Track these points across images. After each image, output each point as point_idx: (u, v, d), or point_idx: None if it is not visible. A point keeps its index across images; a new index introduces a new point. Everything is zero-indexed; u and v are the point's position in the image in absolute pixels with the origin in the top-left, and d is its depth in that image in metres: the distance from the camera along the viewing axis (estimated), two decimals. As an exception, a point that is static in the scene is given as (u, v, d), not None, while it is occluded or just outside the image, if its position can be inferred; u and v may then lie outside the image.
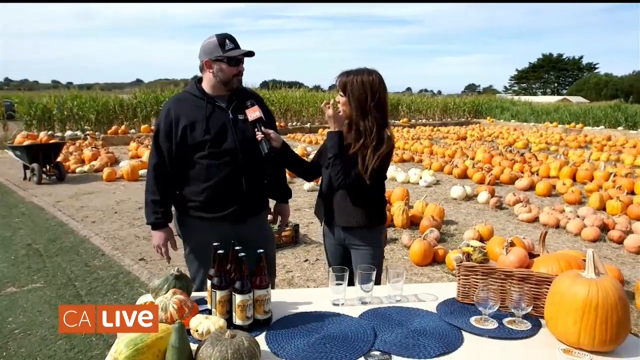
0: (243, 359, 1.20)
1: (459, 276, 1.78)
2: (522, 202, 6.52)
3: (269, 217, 2.55)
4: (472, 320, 1.62)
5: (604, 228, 5.38)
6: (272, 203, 2.51)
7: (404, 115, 23.20)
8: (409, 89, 49.39)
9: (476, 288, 1.65)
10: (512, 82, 72.32)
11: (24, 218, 6.06)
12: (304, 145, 12.92)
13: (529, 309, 1.57)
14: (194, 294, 1.81)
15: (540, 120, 22.26)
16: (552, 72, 68.19)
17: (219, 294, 1.53)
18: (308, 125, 19.19)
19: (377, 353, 1.41)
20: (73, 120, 15.22)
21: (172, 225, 2.32)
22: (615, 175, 7.87)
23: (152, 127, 11.50)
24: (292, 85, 23.49)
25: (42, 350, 2.89)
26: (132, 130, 15.35)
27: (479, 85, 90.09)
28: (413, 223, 5.65)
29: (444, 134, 17.20)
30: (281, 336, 1.50)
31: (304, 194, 7.39)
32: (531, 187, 7.79)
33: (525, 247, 3.52)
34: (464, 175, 8.83)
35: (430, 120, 23.98)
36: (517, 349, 1.46)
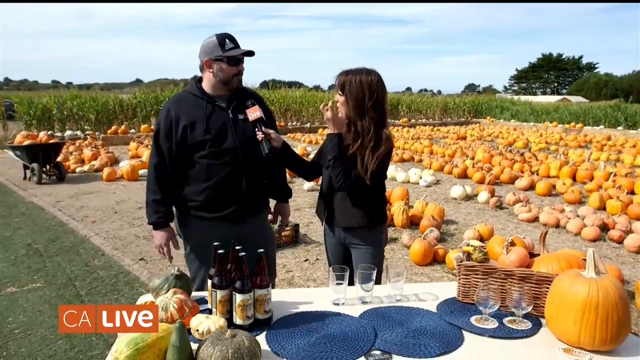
0: (244, 358, 1.20)
1: (459, 276, 1.78)
2: (522, 201, 6.52)
3: (269, 216, 2.55)
4: (473, 319, 1.62)
5: (604, 228, 5.38)
6: (272, 203, 2.51)
7: (403, 115, 23.21)
8: (408, 88, 49.48)
9: (476, 287, 1.65)
10: (512, 81, 72.44)
11: (24, 218, 6.06)
12: (304, 145, 12.92)
13: (530, 309, 1.57)
14: (195, 294, 1.81)
15: (540, 120, 22.27)
16: (552, 72, 68.22)
17: (220, 294, 1.53)
18: (308, 125, 19.20)
19: (378, 352, 1.41)
20: (73, 120, 15.22)
21: (173, 224, 2.32)
22: (615, 175, 7.87)
23: (152, 127, 11.55)
24: (292, 85, 23.54)
25: (42, 350, 2.89)
26: (132, 130, 15.35)
27: (479, 85, 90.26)
28: (413, 223, 5.65)
29: (443, 133, 17.20)
30: (282, 336, 1.50)
31: (304, 194, 7.39)
32: (531, 187, 7.79)
33: (525, 247, 3.52)
34: (464, 175, 8.83)
35: (430, 120, 23.98)
36: (517, 349, 1.46)
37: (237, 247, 1.55)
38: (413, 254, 4.42)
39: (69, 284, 3.91)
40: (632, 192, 6.98)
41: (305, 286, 3.85)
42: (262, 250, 1.57)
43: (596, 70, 65.21)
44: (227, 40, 2.10)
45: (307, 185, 7.61)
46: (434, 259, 4.44)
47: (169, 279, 1.65)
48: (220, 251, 1.56)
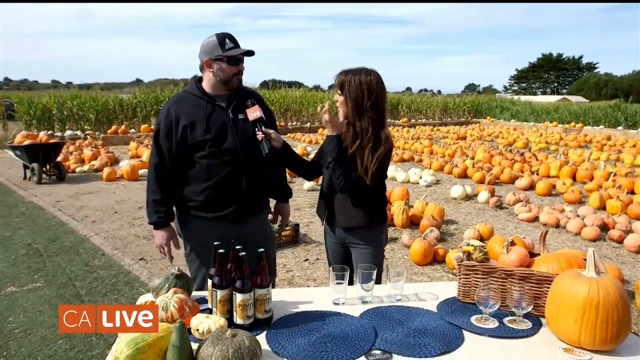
0: (244, 358, 1.20)
1: (459, 275, 1.78)
2: (522, 201, 6.52)
3: (270, 216, 2.55)
4: (473, 319, 1.61)
5: (604, 227, 5.38)
6: (272, 202, 2.51)
7: (403, 115, 23.21)
8: (408, 88, 49.48)
9: (477, 287, 1.65)
10: (512, 81, 72.47)
11: (24, 218, 6.06)
12: (304, 145, 12.92)
13: (530, 308, 1.57)
14: (195, 293, 1.81)
15: (540, 120, 22.27)
16: (551, 72, 68.24)
17: (220, 293, 1.53)
18: (308, 124, 19.20)
19: (378, 352, 1.41)
20: (73, 120, 15.23)
21: (174, 224, 2.32)
22: (615, 175, 7.87)
23: (152, 127, 11.55)
24: (292, 85, 23.54)
25: (42, 350, 2.89)
26: (132, 130, 15.35)
27: (479, 85, 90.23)
28: (413, 222, 5.65)
29: (443, 133, 17.20)
30: (282, 335, 1.50)
31: (304, 194, 7.39)
32: (531, 187, 7.79)
33: (525, 247, 3.52)
34: (464, 175, 8.83)
35: (430, 120, 23.98)
36: (517, 348, 1.46)
37: (237, 247, 1.55)
38: (413, 253, 4.42)
39: (69, 284, 3.91)
40: (632, 192, 6.98)
41: (305, 286, 3.85)
42: (262, 249, 1.56)
43: (596, 70, 65.32)
44: (227, 40, 2.10)
45: (307, 185, 7.61)
46: (434, 259, 4.44)
47: (169, 279, 1.65)
48: (220, 251, 1.56)
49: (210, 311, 1.59)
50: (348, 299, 1.76)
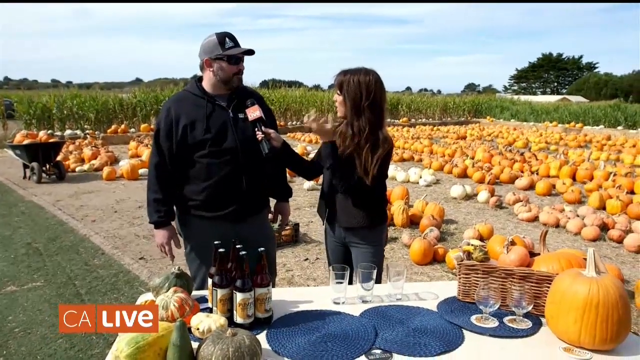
0: (244, 357, 1.20)
1: (459, 275, 1.78)
2: (522, 201, 6.52)
3: (270, 216, 2.55)
4: (473, 318, 1.62)
5: (604, 227, 5.38)
6: (272, 202, 2.51)
7: (403, 114, 23.21)
8: (408, 88, 49.50)
9: (477, 287, 1.65)
10: (512, 81, 72.49)
11: (23, 217, 6.06)
12: (304, 145, 12.91)
13: (530, 308, 1.57)
14: (195, 293, 1.81)
15: (540, 120, 22.28)
16: (551, 72, 68.24)
17: (220, 293, 1.53)
18: (308, 124, 19.19)
19: (378, 351, 1.41)
20: (73, 120, 15.23)
21: (174, 223, 2.32)
22: (615, 175, 7.87)
23: (152, 126, 11.55)
24: (291, 84, 23.56)
25: (42, 349, 2.89)
26: (132, 130, 15.35)
27: (479, 85, 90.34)
28: (413, 222, 5.65)
29: (443, 133, 17.20)
30: (282, 334, 1.50)
31: (304, 193, 7.39)
32: (531, 187, 7.79)
33: (525, 246, 3.52)
34: (463, 175, 8.84)
35: (430, 119, 23.98)
36: (517, 348, 1.46)
37: (237, 246, 1.55)
38: (413, 253, 4.42)
39: (68, 283, 3.91)
40: (632, 192, 6.98)
41: (305, 285, 3.85)
42: (262, 249, 1.56)
43: (596, 70, 65.33)
44: (227, 39, 2.10)
45: (307, 184, 7.61)
46: (433, 259, 4.44)
47: (170, 278, 1.65)
48: (220, 250, 1.56)
49: (210, 310, 1.59)
50: (348, 298, 1.76)
